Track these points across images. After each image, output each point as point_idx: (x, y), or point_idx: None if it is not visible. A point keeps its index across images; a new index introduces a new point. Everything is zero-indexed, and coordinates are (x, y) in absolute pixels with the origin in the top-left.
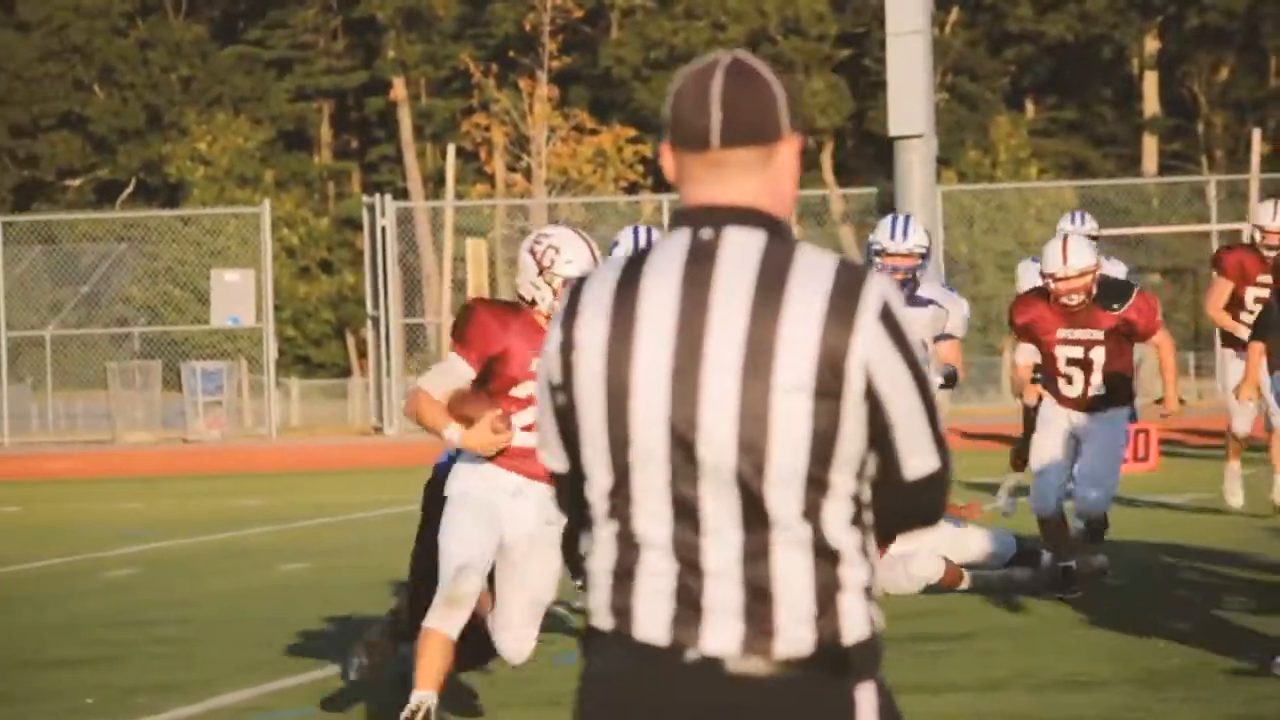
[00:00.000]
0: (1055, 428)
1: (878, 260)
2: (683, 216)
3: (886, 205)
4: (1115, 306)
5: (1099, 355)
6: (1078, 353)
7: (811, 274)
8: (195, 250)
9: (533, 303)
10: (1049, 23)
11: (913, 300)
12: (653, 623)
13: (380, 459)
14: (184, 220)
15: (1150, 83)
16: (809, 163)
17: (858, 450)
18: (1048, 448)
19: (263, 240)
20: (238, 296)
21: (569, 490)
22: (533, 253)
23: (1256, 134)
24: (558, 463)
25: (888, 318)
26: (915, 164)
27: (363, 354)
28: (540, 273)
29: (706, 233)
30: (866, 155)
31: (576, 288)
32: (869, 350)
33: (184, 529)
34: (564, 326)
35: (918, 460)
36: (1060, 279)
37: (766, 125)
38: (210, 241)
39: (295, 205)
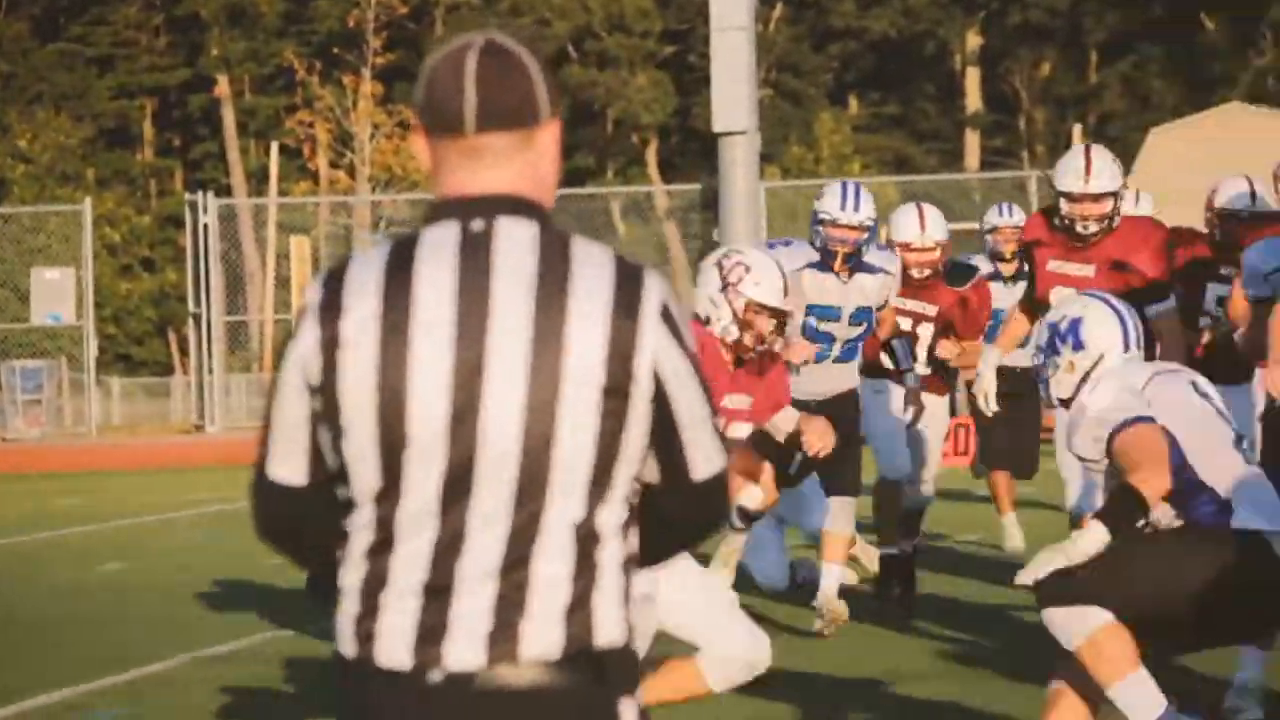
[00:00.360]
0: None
1: (822, 230)
2: (447, 207)
3: (710, 201)
4: (958, 285)
5: (925, 332)
6: (905, 324)
7: (593, 269)
8: (15, 248)
9: (706, 320)
10: (872, 19)
11: (861, 267)
12: (396, 646)
13: (202, 457)
14: (4, 218)
15: (972, 79)
16: (633, 159)
17: (640, 452)
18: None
19: (84, 238)
20: (58, 294)
21: (305, 506)
22: (720, 266)
23: (1077, 129)
24: (297, 474)
25: (668, 316)
26: (739, 160)
27: (184, 352)
28: (724, 288)
29: (477, 224)
30: (690, 151)
31: (334, 282)
32: (655, 348)
33: (2, 529)
34: (323, 323)
35: (705, 461)
36: (915, 249)
37: (524, 108)
38: (30, 239)
39: (117, 203)
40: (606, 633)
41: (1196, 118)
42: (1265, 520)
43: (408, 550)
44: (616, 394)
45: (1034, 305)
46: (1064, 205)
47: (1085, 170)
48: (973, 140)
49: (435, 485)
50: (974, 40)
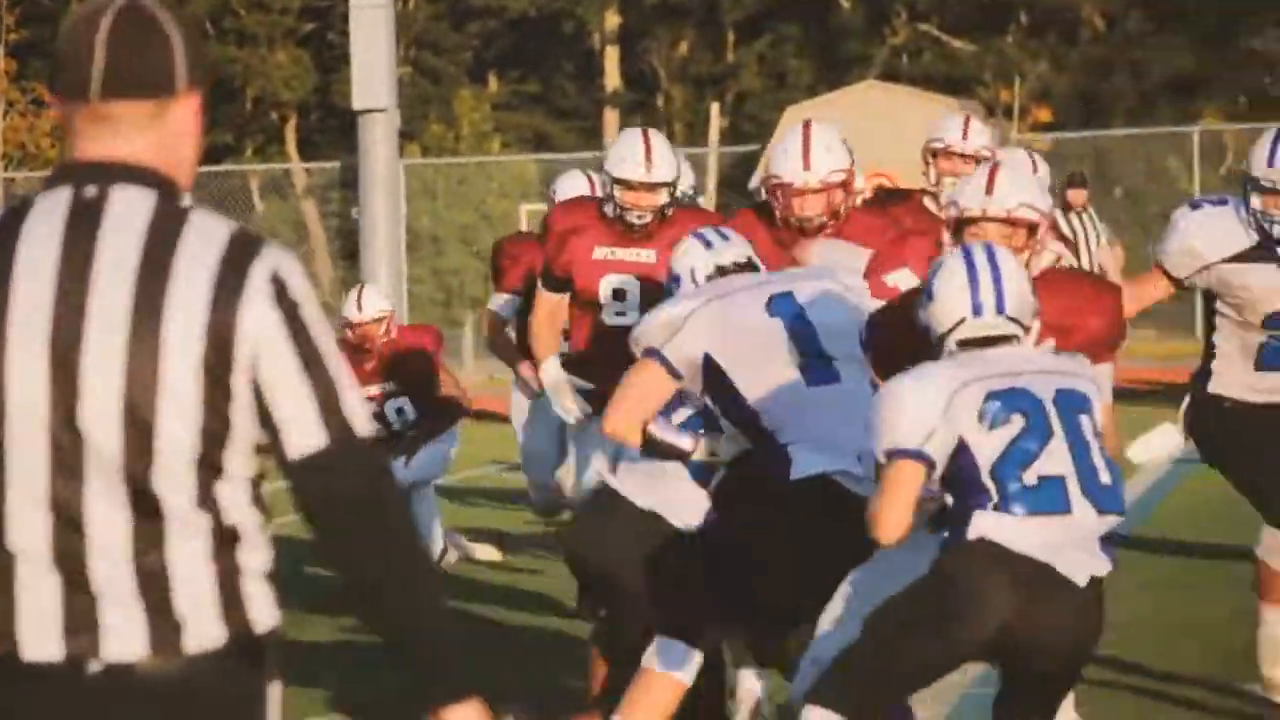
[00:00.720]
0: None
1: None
2: (64, 172)
3: (350, 179)
4: None
5: None
6: None
7: (202, 242)
8: None
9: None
10: None
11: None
12: (43, 637)
13: None
14: None
15: (611, 58)
16: (272, 136)
17: (250, 429)
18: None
19: None
20: None
21: None
22: None
23: (715, 108)
24: None
25: (280, 290)
26: (379, 138)
27: None
28: None
29: (91, 190)
30: (330, 129)
31: None
32: (257, 324)
33: None
34: None
35: (299, 438)
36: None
37: (157, 77)
38: None
39: None
40: (261, 618)
41: (832, 96)
42: (825, 461)
43: (27, 541)
44: (217, 371)
45: (579, 299)
46: (619, 193)
47: (646, 158)
48: (612, 119)
49: (41, 470)
50: (613, 19)
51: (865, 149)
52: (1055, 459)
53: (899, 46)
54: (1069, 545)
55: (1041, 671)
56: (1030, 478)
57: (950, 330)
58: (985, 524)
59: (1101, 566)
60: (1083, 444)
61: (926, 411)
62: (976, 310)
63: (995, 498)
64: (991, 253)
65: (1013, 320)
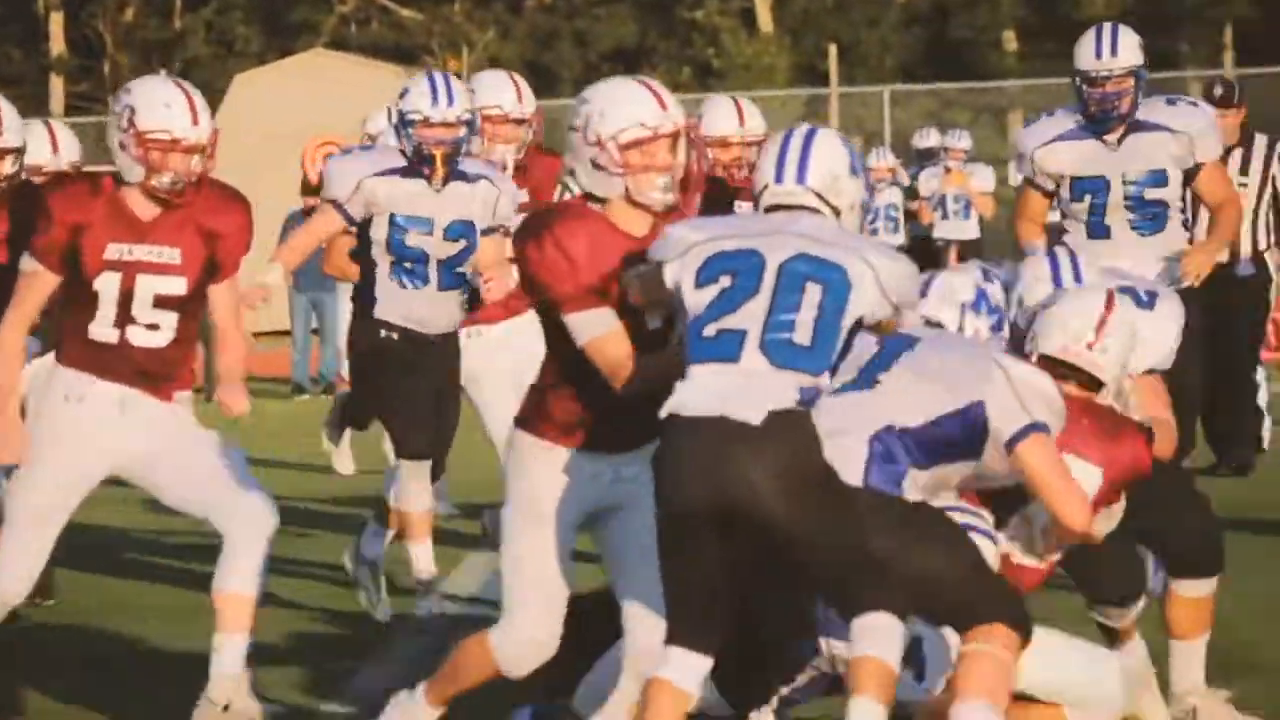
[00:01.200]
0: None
1: (411, 132)
2: None
3: None
4: None
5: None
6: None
7: None
8: None
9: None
10: None
11: (458, 176)
12: None
13: None
14: None
15: (56, 23)
16: None
17: None
18: None
19: None
20: None
21: None
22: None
23: (162, 75)
24: None
25: None
26: None
27: None
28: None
29: None
30: None
31: None
32: None
33: None
34: None
35: None
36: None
37: None
38: None
39: None
40: None
41: (281, 63)
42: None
43: None
44: None
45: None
46: None
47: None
48: (57, 85)
49: None
50: None
51: (314, 116)
52: (745, 316)
53: (347, 14)
54: (736, 391)
55: (773, 535)
56: (711, 331)
57: (759, 196)
58: (670, 400)
59: (783, 399)
60: (789, 304)
61: (672, 246)
62: (778, 178)
63: (689, 353)
64: (810, 133)
65: (814, 193)
